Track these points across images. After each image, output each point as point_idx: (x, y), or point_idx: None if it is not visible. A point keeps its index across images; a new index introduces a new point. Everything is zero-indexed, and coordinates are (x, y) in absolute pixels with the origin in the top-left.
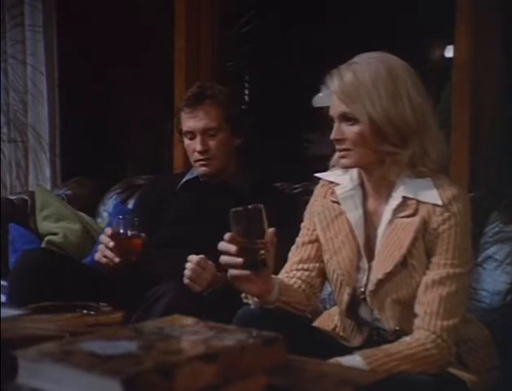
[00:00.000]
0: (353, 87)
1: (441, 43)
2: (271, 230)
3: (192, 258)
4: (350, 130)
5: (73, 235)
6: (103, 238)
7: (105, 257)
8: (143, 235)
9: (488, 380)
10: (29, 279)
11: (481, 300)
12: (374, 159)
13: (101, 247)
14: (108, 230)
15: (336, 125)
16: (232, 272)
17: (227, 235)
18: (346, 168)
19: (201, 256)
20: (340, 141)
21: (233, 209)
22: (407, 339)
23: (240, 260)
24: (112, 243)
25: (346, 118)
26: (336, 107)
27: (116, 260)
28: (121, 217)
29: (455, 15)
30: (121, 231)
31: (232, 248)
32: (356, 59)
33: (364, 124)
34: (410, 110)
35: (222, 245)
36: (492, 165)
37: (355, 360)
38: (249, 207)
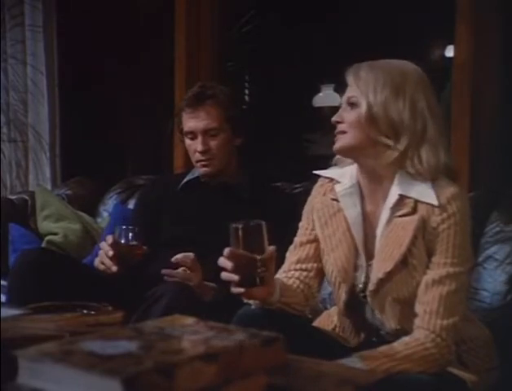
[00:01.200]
0: (365, 75)
1: (441, 43)
2: (271, 248)
3: (188, 255)
4: (350, 114)
5: (73, 235)
6: (104, 245)
7: (103, 264)
8: (144, 247)
9: (488, 380)
10: (29, 279)
11: (481, 300)
12: (365, 144)
13: (101, 253)
14: (109, 239)
15: (341, 109)
16: (232, 289)
17: (226, 251)
18: (339, 151)
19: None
20: (338, 123)
21: (233, 225)
22: (406, 339)
23: (236, 277)
24: (111, 252)
25: (350, 103)
26: (346, 94)
27: (114, 268)
28: (124, 226)
29: (455, 15)
30: (122, 241)
31: (229, 264)
32: (380, 60)
33: (362, 108)
34: (409, 110)
35: (221, 260)
36: (492, 165)
37: (353, 363)
38: (251, 223)
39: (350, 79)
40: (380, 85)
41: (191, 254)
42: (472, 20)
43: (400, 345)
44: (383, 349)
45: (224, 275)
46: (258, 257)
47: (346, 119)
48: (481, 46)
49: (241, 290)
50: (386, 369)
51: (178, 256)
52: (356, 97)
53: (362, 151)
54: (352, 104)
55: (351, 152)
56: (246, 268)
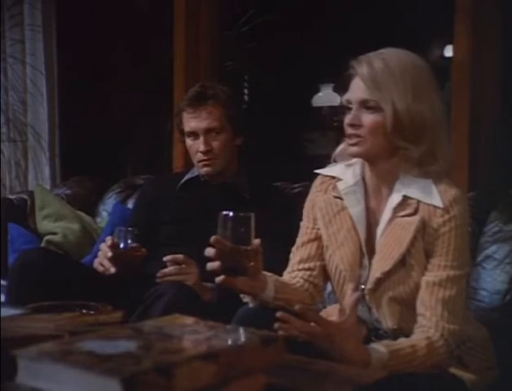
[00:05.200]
0: (382, 75)
1: (440, 43)
2: (257, 241)
3: (178, 257)
4: (370, 118)
5: (73, 235)
6: (103, 247)
7: (102, 265)
8: (143, 249)
9: (487, 379)
10: (28, 279)
11: (480, 300)
12: (385, 151)
13: (100, 254)
14: (108, 240)
15: (354, 110)
16: (216, 279)
17: (212, 238)
18: (356, 156)
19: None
20: (355, 127)
21: (223, 213)
22: (416, 338)
23: (216, 264)
24: (110, 254)
25: (367, 105)
26: (358, 93)
27: (112, 270)
28: (123, 228)
29: (454, 15)
30: (121, 243)
31: (211, 250)
32: (383, 50)
33: (386, 114)
34: (429, 108)
35: (207, 250)
36: (492, 165)
37: (379, 353)
38: (240, 214)
39: (363, 77)
40: (401, 88)
41: (180, 256)
42: (471, 20)
43: (416, 344)
44: (405, 345)
45: (208, 265)
46: (244, 248)
47: (366, 123)
48: (480, 46)
49: (222, 277)
50: (403, 368)
51: (168, 257)
52: (377, 101)
53: (380, 155)
54: (371, 108)
55: (369, 158)
56: (230, 257)
